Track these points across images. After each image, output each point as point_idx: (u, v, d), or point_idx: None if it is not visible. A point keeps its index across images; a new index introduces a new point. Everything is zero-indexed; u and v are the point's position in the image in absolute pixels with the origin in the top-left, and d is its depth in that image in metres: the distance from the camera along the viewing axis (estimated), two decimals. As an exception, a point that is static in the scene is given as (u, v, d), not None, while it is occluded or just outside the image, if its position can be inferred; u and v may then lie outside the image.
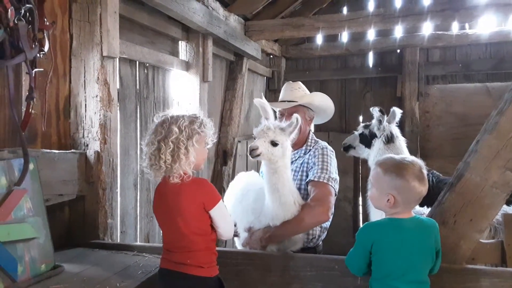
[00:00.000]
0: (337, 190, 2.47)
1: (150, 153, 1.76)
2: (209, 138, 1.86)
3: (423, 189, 1.73)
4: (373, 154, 3.83)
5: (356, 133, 4.12)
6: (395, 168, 1.75)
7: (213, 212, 1.77)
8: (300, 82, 2.81)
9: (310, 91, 2.84)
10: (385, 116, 3.78)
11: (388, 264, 1.73)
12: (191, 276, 1.75)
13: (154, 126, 1.81)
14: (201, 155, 1.83)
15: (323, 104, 2.74)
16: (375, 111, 3.80)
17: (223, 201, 1.84)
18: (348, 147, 4.21)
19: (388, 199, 1.73)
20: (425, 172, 1.77)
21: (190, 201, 1.75)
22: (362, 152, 4.06)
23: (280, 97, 2.77)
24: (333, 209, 2.62)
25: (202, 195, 1.75)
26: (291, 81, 2.84)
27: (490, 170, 1.87)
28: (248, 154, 2.17)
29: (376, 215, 3.23)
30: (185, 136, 1.74)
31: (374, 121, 3.87)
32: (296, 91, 2.73)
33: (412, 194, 1.72)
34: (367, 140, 3.96)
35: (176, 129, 1.73)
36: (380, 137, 3.79)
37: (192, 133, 1.76)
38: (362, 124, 4.16)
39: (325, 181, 2.37)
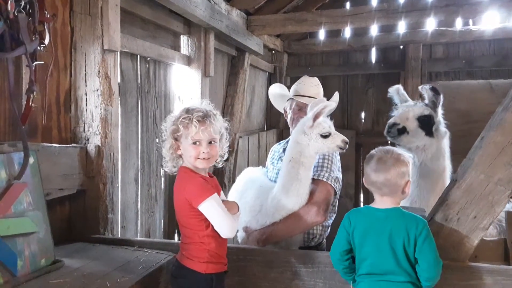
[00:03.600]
0: (338, 190, 2.44)
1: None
2: (195, 135, 1.73)
3: (373, 174, 1.77)
4: (434, 147, 2.74)
5: (411, 108, 2.80)
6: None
7: (201, 210, 1.71)
8: (317, 78, 2.78)
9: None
10: (440, 96, 2.76)
11: (360, 249, 1.78)
12: (183, 266, 1.79)
13: None
14: (186, 151, 1.77)
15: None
16: (424, 89, 2.81)
17: (213, 198, 1.70)
18: (401, 130, 2.74)
19: None
20: (383, 162, 1.76)
21: (177, 196, 1.79)
22: (418, 140, 2.73)
23: (301, 91, 2.68)
24: (336, 208, 2.61)
25: (186, 192, 1.73)
26: (307, 76, 2.79)
27: (495, 167, 1.85)
28: (342, 150, 2.21)
29: None
30: (169, 129, 1.79)
31: (427, 102, 2.85)
32: (317, 87, 2.71)
33: (365, 177, 1.84)
34: (429, 124, 2.73)
35: (166, 122, 1.82)
36: (440, 124, 2.79)
37: (174, 127, 1.77)
38: (422, 102, 2.86)
39: (324, 179, 2.34)
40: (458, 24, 5.57)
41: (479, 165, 1.89)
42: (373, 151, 1.86)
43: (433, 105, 2.80)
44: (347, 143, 2.20)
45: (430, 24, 5.62)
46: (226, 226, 1.72)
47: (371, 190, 1.84)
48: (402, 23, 5.27)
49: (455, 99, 5.71)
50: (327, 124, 2.21)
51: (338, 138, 2.19)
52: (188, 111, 1.77)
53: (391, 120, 2.81)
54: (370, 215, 1.80)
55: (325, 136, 2.18)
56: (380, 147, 1.87)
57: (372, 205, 1.85)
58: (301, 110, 2.57)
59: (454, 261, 1.90)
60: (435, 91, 2.77)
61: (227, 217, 1.72)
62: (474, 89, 5.63)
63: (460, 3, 4.03)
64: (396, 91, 3.10)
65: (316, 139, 2.18)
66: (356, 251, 1.81)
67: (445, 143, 2.85)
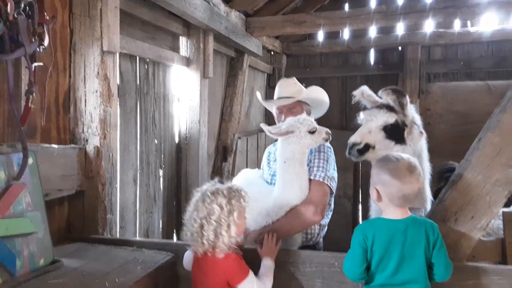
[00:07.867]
0: (334, 188, 2.45)
1: (193, 230, 1.81)
2: (247, 209, 1.88)
3: (407, 186, 1.71)
4: (410, 153, 2.13)
5: (374, 118, 2.34)
6: (381, 162, 1.80)
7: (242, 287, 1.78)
8: (295, 78, 2.79)
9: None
10: (406, 97, 2.32)
11: (379, 264, 1.73)
12: None
13: (194, 201, 1.86)
14: (241, 228, 1.86)
15: (319, 97, 2.73)
16: (385, 93, 2.36)
17: (251, 276, 1.81)
18: (363, 150, 2.31)
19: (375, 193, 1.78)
20: (414, 171, 1.74)
21: (214, 275, 1.80)
22: (388, 151, 2.16)
23: (277, 94, 2.73)
24: (332, 206, 2.61)
25: (225, 271, 1.78)
26: (285, 78, 2.84)
27: (493, 168, 1.86)
28: (327, 141, 2.36)
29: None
30: (226, 213, 1.79)
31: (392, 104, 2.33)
32: (292, 86, 2.71)
33: (394, 191, 1.72)
34: (397, 132, 2.29)
35: (217, 207, 1.79)
36: (413, 126, 2.32)
37: (233, 209, 1.80)
38: (380, 103, 2.40)
39: (320, 179, 2.35)
40: (457, 25, 5.58)
41: (477, 166, 1.90)
42: (388, 162, 1.76)
43: (401, 107, 2.30)
44: (330, 133, 2.36)
45: (429, 26, 5.63)
46: None
47: (393, 203, 1.75)
48: (400, 24, 5.29)
49: (454, 101, 5.74)
50: (311, 121, 2.36)
51: (323, 131, 2.34)
52: (233, 190, 1.86)
53: (350, 139, 2.32)
54: (389, 228, 1.75)
55: (312, 132, 2.32)
56: (390, 155, 1.82)
57: (385, 216, 1.79)
58: (281, 112, 2.65)
59: (452, 261, 1.91)
60: (398, 93, 2.31)
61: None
62: (472, 90, 5.66)
63: (458, 5, 4.04)
64: (361, 94, 2.54)
65: (305, 136, 2.30)
66: (373, 263, 1.76)
67: (422, 145, 2.40)
